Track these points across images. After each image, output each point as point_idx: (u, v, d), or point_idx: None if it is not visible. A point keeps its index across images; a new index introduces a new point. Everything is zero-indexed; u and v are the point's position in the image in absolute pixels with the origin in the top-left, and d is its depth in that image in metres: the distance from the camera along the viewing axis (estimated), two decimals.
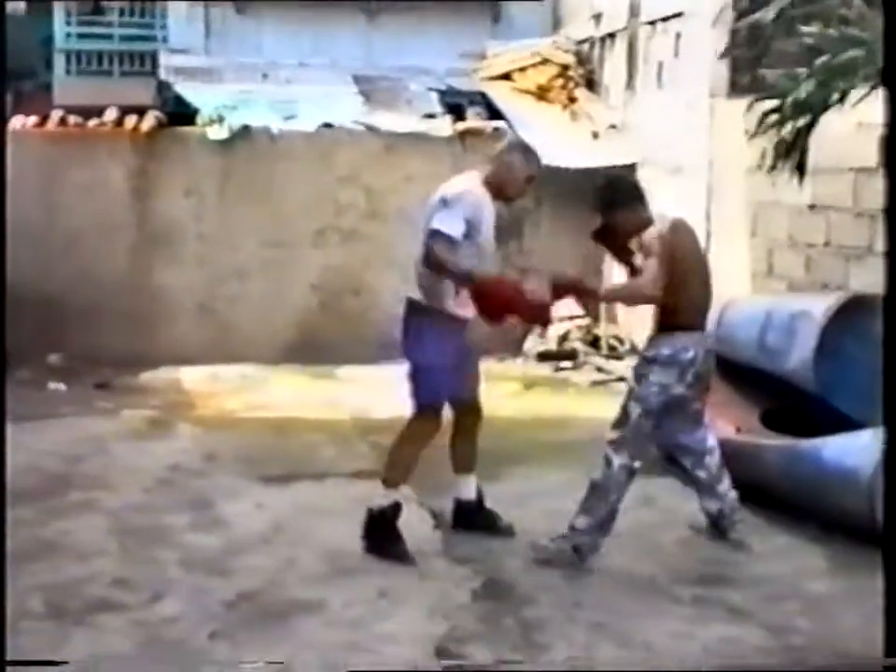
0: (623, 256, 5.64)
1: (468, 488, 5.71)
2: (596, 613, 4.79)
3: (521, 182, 5.49)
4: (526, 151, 5.60)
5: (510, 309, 5.30)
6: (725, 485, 5.66)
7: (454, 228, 5.18)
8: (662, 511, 6.07)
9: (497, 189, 5.47)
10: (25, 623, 4.56)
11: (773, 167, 6.13)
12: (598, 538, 5.30)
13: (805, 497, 5.81)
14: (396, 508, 5.36)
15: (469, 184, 5.41)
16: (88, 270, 9.77)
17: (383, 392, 7.53)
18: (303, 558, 5.33)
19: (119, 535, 5.63)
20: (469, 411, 5.66)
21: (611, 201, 5.47)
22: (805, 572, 5.29)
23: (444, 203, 5.25)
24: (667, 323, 5.38)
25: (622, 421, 5.36)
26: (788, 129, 5.94)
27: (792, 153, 6.01)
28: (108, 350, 9.50)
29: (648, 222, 5.35)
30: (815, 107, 5.85)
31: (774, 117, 5.97)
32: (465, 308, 5.29)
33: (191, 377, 9.30)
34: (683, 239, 5.43)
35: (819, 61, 5.69)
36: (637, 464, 5.36)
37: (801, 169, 6.08)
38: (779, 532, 5.78)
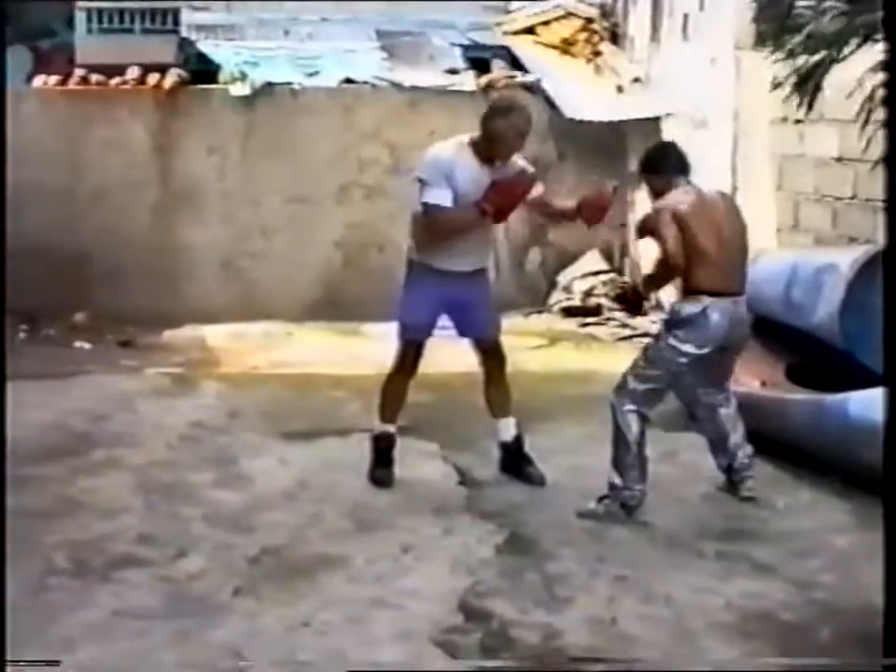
0: None
1: (506, 430, 5.88)
2: (619, 567, 4.79)
3: (508, 142, 5.52)
4: (511, 110, 5.62)
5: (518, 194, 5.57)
6: (737, 438, 5.66)
7: (443, 198, 5.46)
8: (685, 467, 6.06)
9: (485, 150, 5.53)
10: (52, 579, 4.61)
11: (789, 97, 6.08)
12: (638, 487, 5.35)
13: (830, 451, 5.78)
14: (388, 438, 5.78)
15: (442, 148, 5.60)
16: (112, 228, 9.78)
17: None
18: (327, 514, 5.35)
19: (144, 492, 5.65)
20: (489, 353, 5.89)
21: (654, 165, 5.59)
22: (829, 527, 5.27)
23: (423, 172, 5.55)
24: (690, 287, 5.40)
25: (631, 371, 5.46)
26: (803, 60, 5.89)
27: (806, 86, 5.97)
28: (132, 308, 9.52)
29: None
30: (833, 42, 5.78)
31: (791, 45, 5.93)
32: (448, 262, 5.62)
33: (215, 334, 9.31)
34: (697, 209, 5.40)
35: None
36: (644, 409, 5.43)
37: (810, 104, 6.08)
38: (804, 487, 5.77)
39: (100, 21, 11.05)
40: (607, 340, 9.35)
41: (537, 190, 5.69)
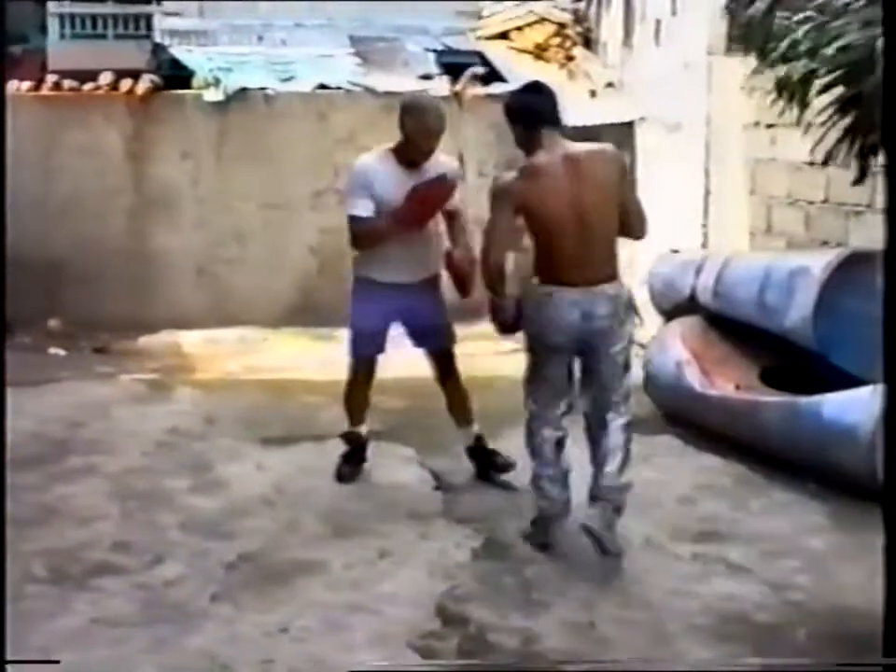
0: None
1: (469, 436, 5.94)
2: (596, 571, 4.81)
3: (421, 142, 5.45)
4: (420, 108, 5.57)
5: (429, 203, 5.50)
6: (616, 465, 4.92)
7: (362, 208, 5.51)
8: (659, 469, 6.07)
9: (404, 154, 5.52)
10: (29, 587, 4.59)
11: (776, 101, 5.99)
12: (560, 498, 5.00)
13: (804, 453, 5.82)
14: (357, 437, 5.90)
15: (363, 158, 5.65)
16: (86, 234, 9.74)
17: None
18: (304, 520, 5.35)
19: (120, 499, 5.64)
20: (442, 363, 5.89)
21: (513, 114, 4.87)
22: (804, 529, 5.30)
23: (345, 185, 5.75)
24: (538, 273, 4.88)
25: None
26: (785, 70, 5.89)
27: (794, 94, 5.95)
28: (107, 314, 9.49)
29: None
30: (812, 50, 5.79)
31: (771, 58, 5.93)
32: (387, 274, 5.62)
33: (190, 340, 9.30)
34: (542, 182, 4.71)
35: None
36: (535, 407, 4.98)
37: (802, 105, 6.00)
38: (778, 489, 5.79)
39: (73, 26, 11.06)
40: None
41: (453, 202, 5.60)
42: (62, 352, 9.06)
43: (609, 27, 10.63)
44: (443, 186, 5.49)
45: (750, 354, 6.82)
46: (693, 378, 6.64)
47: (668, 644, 4.22)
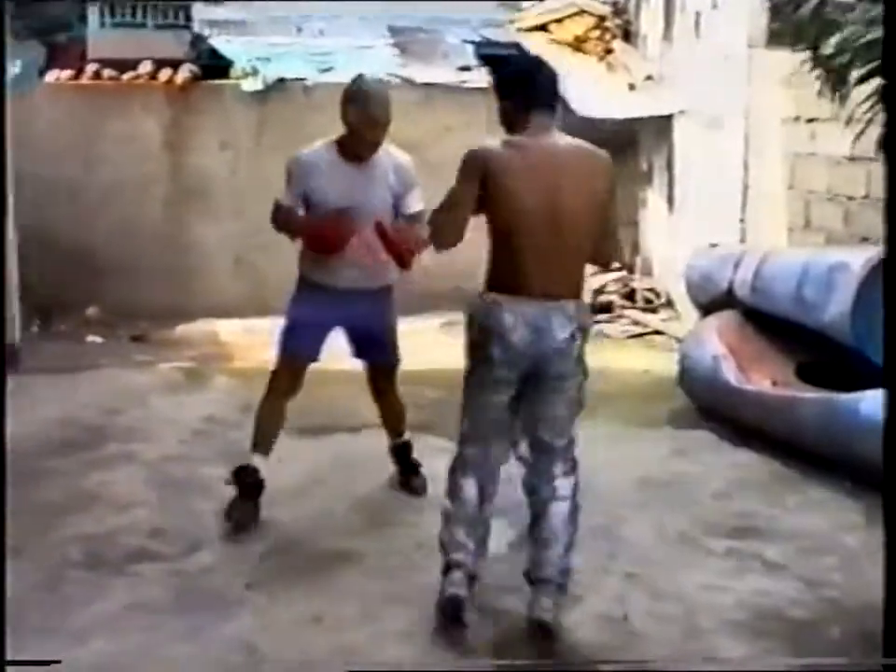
0: None
1: (396, 440, 5.68)
2: (630, 564, 4.81)
3: (364, 133, 4.92)
4: (362, 96, 4.94)
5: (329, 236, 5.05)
6: (559, 549, 4.24)
7: (286, 198, 5.20)
8: (694, 464, 6.06)
9: (347, 146, 5.04)
10: (68, 572, 4.64)
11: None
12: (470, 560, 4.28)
13: (840, 450, 5.79)
14: (255, 472, 5.16)
15: (304, 151, 5.19)
16: (124, 223, 9.79)
17: (420, 343, 7.49)
18: (339, 510, 5.37)
19: (158, 486, 5.67)
20: (380, 381, 5.54)
21: (505, 87, 4.26)
22: (840, 526, 5.28)
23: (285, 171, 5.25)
24: (488, 278, 4.18)
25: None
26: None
27: (838, 86, 5.93)
28: (145, 303, 9.54)
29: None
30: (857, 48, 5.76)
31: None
32: (333, 277, 5.14)
33: (227, 329, 9.32)
34: (517, 166, 4.04)
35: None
36: (464, 445, 4.30)
37: (842, 98, 5.99)
38: (814, 485, 5.77)
39: (112, 15, 11.06)
40: (618, 337, 9.35)
41: (407, 205, 5.15)
42: (99, 340, 9.12)
43: (649, 19, 10.58)
44: (340, 224, 4.95)
45: (786, 349, 6.80)
46: (730, 373, 6.62)
47: (701, 639, 4.21)
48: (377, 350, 5.43)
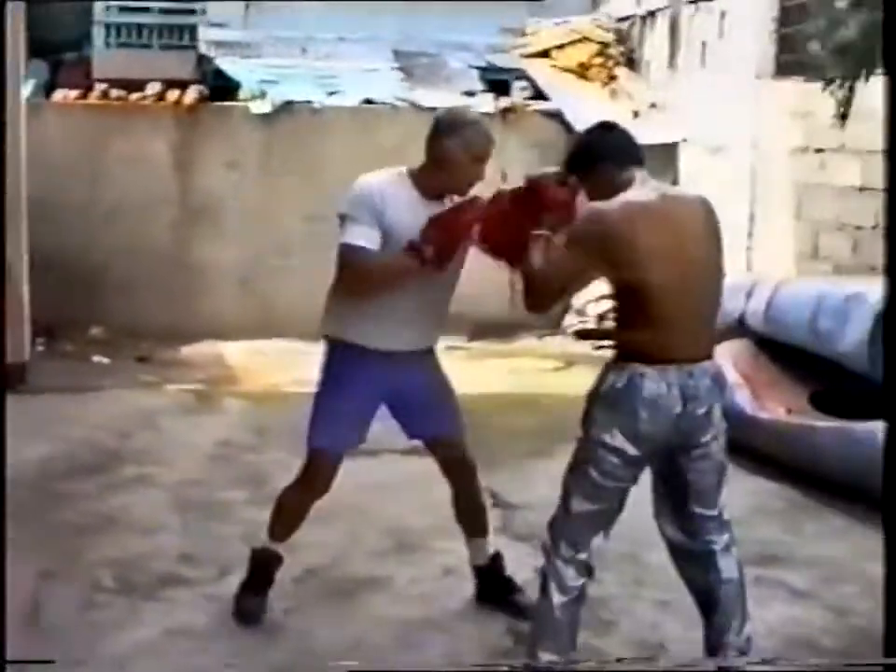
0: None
1: (481, 552, 4.70)
2: (661, 592, 4.84)
3: (463, 168, 4.16)
4: (463, 125, 4.21)
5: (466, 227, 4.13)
6: (736, 626, 3.90)
7: (367, 238, 4.14)
8: None
9: (433, 181, 4.23)
10: (99, 596, 4.65)
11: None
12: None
13: (857, 479, 5.83)
14: (273, 559, 4.56)
15: (371, 178, 4.30)
16: (130, 243, 9.79)
17: None
18: (366, 534, 5.39)
19: (179, 510, 5.68)
20: (452, 458, 4.58)
21: (595, 155, 3.82)
22: (861, 554, 5.32)
23: (346, 207, 4.26)
24: (620, 347, 3.78)
25: (564, 490, 3.89)
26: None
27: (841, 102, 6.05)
28: (149, 323, 9.54)
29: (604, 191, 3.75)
30: (859, 59, 5.86)
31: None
32: (380, 339, 4.27)
33: (233, 352, 9.35)
34: (647, 224, 3.65)
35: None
36: (582, 555, 3.82)
37: (843, 116, 6.11)
38: (832, 513, 5.82)
39: (118, 35, 11.08)
40: None
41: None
42: (105, 360, 9.11)
43: (653, 47, 10.69)
44: (474, 210, 4.14)
45: (799, 378, 6.86)
46: (744, 401, 6.66)
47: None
48: (438, 422, 4.53)
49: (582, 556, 3.80)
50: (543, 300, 3.81)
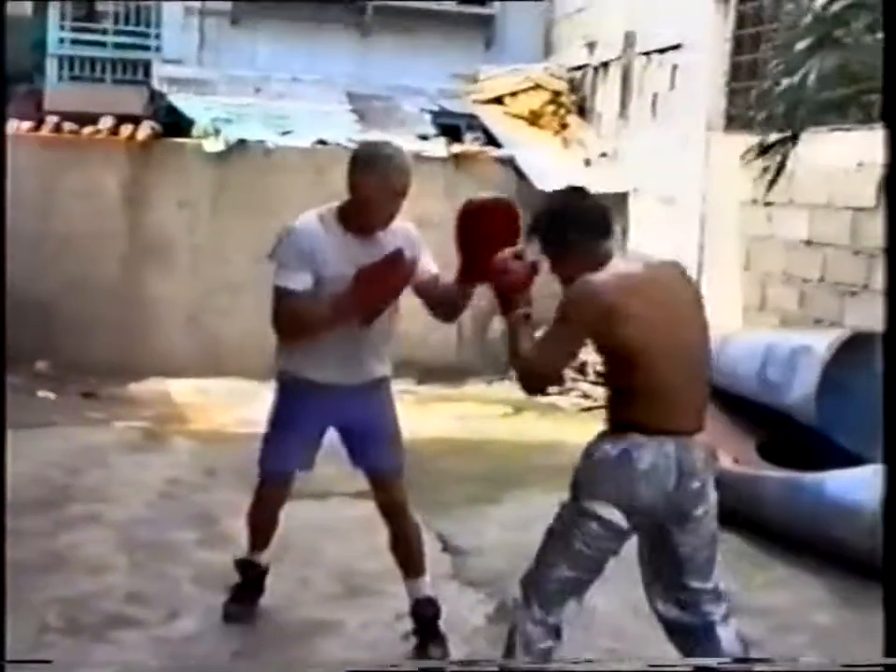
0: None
1: (419, 590, 4.70)
2: (608, 640, 4.86)
3: (378, 203, 4.19)
4: (377, 160, 4.21)
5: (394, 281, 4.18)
6: None
7: (298, 281, 4.23)
8: None
9: (356, 217, 4.27)
10: (48, 636, 4.59)
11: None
12: None
13: (804, 529, 5.92)
14: (255, 567, 4.91)
15: (300, 222, 4.36)
16: (78, 277, 9.74)
17: None
18: (315, 578, 5.37)
19: (128, 550, 5.63)
20: (387, 491, 4.61)
21: (548, 229, 3.75)
22: (808, 603, 5.39)
23: (277, 250, 4.33)
24: (614, 417, 3.69)
25: (540, 555, 3.79)
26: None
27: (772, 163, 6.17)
28: (95, 359, 9.49)
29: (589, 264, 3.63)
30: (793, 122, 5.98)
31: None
32: (325, 372, 4.37)
33: (180, 390, 9.30)
34: (642, 295, 3.57)
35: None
36: (552, 619, 3.72)
37: (773, 179, 6.24)
38: (777, 563, 5.88)
39: (71, 68, 11.09)
40: (570, 410, 9.46)
41: (425, 270, 4.37)
42: (51, 395, 9.03)
43: (605, 97, 10.82)
44: (399, 265, 4.12)
45: (748, 428, 6.93)
46: None
47: None
48: (379, 456, 4.58)
49: (553, 620, 3.71)
50: (544, 382, 3.73)
